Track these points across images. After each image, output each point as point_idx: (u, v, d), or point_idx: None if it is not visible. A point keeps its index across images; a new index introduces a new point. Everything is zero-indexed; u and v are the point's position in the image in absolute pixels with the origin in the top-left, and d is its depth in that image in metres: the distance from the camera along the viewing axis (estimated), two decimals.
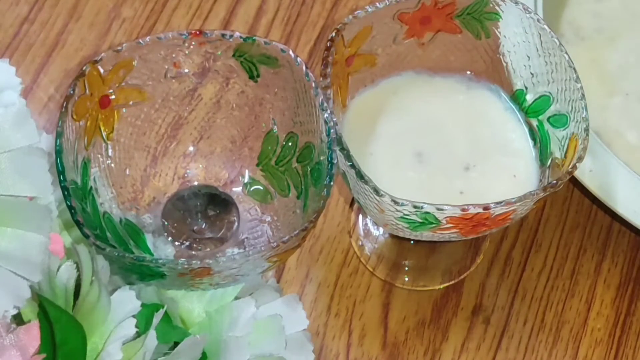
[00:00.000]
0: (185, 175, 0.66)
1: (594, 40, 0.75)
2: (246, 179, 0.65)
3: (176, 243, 0.64)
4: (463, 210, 0.55)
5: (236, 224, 0.65)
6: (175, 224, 0.65)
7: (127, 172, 0.64)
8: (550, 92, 0.63)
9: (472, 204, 0.55)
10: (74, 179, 0.58)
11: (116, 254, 0.53)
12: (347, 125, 0.63)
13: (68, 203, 0.55)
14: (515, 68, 0.64)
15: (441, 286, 0.70)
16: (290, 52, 0.60)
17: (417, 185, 0.62)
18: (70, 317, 0.51)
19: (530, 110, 0.64)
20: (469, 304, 0.69)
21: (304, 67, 0.59)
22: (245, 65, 0.62)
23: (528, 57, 0.63)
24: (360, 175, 0.56)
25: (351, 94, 0.64)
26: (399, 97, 0.65)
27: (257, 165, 0.65)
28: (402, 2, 0.62)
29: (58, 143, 0.56)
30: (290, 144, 0.63)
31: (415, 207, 0.55)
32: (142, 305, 0.53)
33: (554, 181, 0.56)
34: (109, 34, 0.78)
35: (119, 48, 0.59)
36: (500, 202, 0.55)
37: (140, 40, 0.59)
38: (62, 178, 0.55)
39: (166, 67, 0.62)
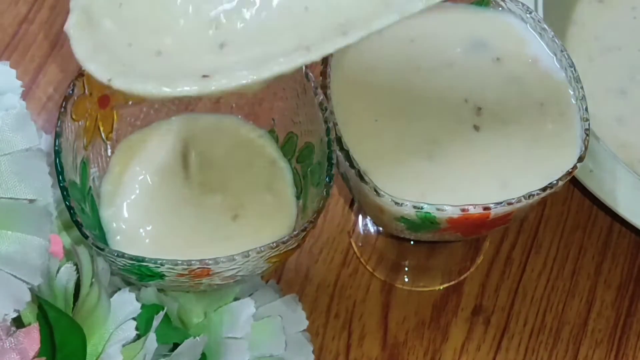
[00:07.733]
0: None
1: (595, 38, 0.75)
2: None
3: None
4: (463, 210, 0.55)
5: None
6: None
7: None
8: None
9: (471, 204, 0.55)
10: (73, 179, 0.57)
11: (115, 254, 0.53)
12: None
13: (67, 203, 0.55)
14: None
15: (441, 287, 0.70)
16: None
17: None
18: (70, 320, 0.51)
19: None
20: (469, 305, 0.69)
21: (304, 67, 0.59)
22: None
23: None
24: (360, 175, 0.56)
25: None
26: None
27: None
28: None
29: (57, 143, 0.56)
30: (290, 144, 0.63)
31: (415, 207, 0.55)
32: (142, 306, 0.53)
33: (554, 181, 0.56)
34: None
35: None
36: (500, 203, 0.55)
37: None
38: (61, 178, 0.55)
39: None
